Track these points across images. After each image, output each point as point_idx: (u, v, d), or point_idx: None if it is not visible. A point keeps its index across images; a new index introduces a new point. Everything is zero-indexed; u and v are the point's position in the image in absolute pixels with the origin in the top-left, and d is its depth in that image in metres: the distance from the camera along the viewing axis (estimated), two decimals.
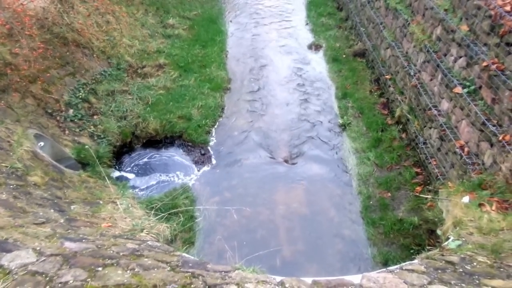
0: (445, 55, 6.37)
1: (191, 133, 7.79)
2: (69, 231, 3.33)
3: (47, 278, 2.25)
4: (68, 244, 2.73)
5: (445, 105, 6.21)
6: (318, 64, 10.66)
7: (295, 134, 8.12)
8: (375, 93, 8.95)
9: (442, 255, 3.22)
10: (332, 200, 6.62)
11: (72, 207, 4.35)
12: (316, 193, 6.78)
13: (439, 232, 4.20)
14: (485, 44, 5.30)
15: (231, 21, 13.02)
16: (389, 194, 6.45)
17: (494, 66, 4.91)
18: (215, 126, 8.31)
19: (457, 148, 5.58)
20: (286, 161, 7.45)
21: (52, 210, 3.91)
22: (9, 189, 3.90)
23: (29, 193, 4.10)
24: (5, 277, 2.19)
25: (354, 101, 8.81)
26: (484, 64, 5.11)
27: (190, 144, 7.74)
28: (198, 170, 7.22)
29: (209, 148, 7.75)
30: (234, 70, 10.33)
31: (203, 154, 7.54)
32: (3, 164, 4.34)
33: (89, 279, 2.28)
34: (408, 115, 7.36)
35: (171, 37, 10.99)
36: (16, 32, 6.49)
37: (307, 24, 12.84)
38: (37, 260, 2.39)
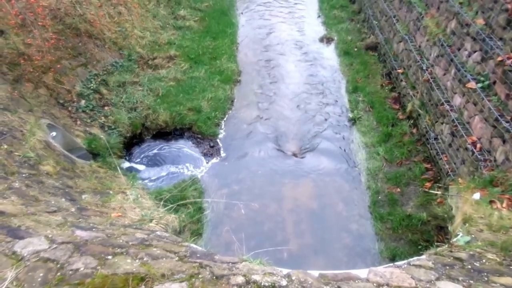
0: (459, 49, 6.25)
1: (201, 126, 7.82)
2: (80, 220, 3.38)
3: (58, 265, 2.30)
4: (79, 233, 2.78)
5: (457, 100, 6.11)
6: (329, 57, 10.58)
7: (305, 128, 8.11)
8: (387, 87, 8.87)
9: (451, 251, 3.19)
10: (341, 195, 6.62)
11: (83, 196, 4.42)
12: (324, 187, 6.78)
13: (450, 228, 4.16)
14: (500, 39, 5.18)
15: (242, 13, 12.95)
16: (398, 190, 6.42)
17: (509, 61, 4.80)
18: (225, 119, 8.33)
19: (469, 144, 5.50)
20: (295, 155, 7.46)
21: (63, 199, 3.97)
22: (22, 178, 3.97)
23: (41, 182, 4.17)
24: (17, 263, 2.24)
25: (365, 95, 8.75)
26: (499, 59, 5.00)
27: (199, 136, 7.78)
28: (207, 162, 7.26)
29: (218, 140, 7.78)
30: (244, 62, 10.31)
31: (212, 147, 7.57)
32: (16, 153, 4.42)
33: (99, 267, 2.32)
34: (420, 110, 7.28)
35: (182, 28, 10.99)
36: (29, 23, 6.55)
37: (319, 16, 12.71)
38: (49, 248, 2.44)
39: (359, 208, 6.36)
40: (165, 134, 7.85)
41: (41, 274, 2.21)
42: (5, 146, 4.40)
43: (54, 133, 5.80)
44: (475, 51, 5.74)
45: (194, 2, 12.46)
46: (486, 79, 5.37)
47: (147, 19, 10.35)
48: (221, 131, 8.02)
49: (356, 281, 2.48)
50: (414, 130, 7.42)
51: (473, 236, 3.49)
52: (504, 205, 3.95)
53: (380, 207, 6.23)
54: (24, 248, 2.39)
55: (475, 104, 5.54)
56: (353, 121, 8.16)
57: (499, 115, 4.90)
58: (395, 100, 8.43)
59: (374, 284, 2.45)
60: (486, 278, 2.66)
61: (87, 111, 7.13)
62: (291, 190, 6.70)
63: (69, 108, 6.91)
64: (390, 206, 6.19)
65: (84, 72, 7.68)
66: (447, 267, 2.81)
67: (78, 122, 6.84)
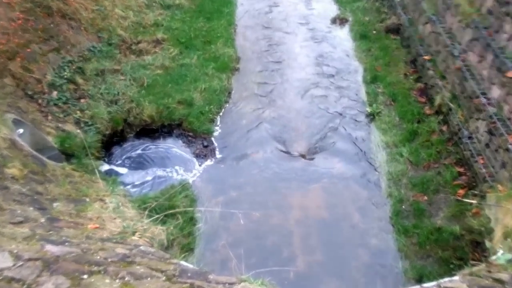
0: (497, 32, 6.22)
1: (193, 121, 7.82)
2: (51, 232, 3.38)
3: (25, 286, 2.28)
4: (49, 248, 2.76)
5: (496, 92, 6.08)
6: (343, 41, 10.56)
7: (314, 124, 8.09)
8: (411, 77, 8.84)
9: (489, 271, 3.17)
10: (357, 203, 6.61)
11: (54, 204, 4.41)
12: (338, 195, 6.77)
13: (488, 244, 4.14)
14: None
15: None
16: (426, 198, 6.41)
17: None
18: (221, 114, 8.32)
19: (510, 144, 5.47)
20: (303, 156, 7.45)
21: (31, 208, 3.96)
22: None
23: (5, 187, 4.16)
24: None
25: (386, 86, 8.72)
26: None
27: (191, 134, 7.77)
28: (200, 165, 7.26)
29: (213, 139, 7.78)
30: (244, 47, 10.30)
31: (206, 146, 7.57)
32: None
33: None
34: (451, 104, 7.26)
35: (171, 7, 10.95)
36: None
37: None
38: (13, 265, 2.42)
39: (379, 219, 6.33)
40: (151, 131, 7.84)
41: None
42: None
43: (21, 130, 5.78)
44: None
45: None
46: None
47: None
48: (217, 128, 8.01)
49: None
50: (444, 128, 7.40)
51: None
52: None
53: (404, 219, 6.20)
54: None
55: None
56: (372, 116, 8.14)
57: None
58: (421, 92, 8.40)
59: None
60: None
61: (60, 104, 7.10)
62: (298, 197, 6.70)
63: (39, 101, 6.87)
64: (416, 217, 6.17)
65: (57, 59, 7.66)
66: None
67: (50, 117, 6.81)
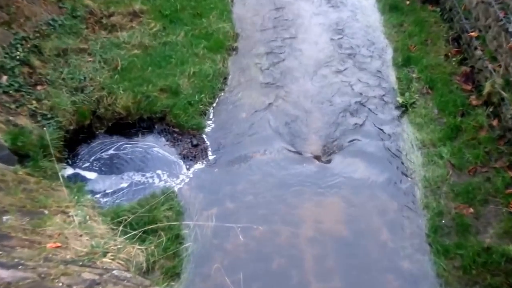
0: None
1: (179, 114, 7.82)
2: (0, 253, 3.36)
3: None
4: None
5: None
6: (368, 14, 10.60)
7: (332, 118, 8.10)
8: (454, 59, 8.83)
9: None
10: (385, 217, 6.61)
11: (4, 218, 4.39)
12: (361, 206, 6.77)
13: None
14: None
15: None
16: (471, 210, 6.39)
17: None
18: (214, 104, 8.33)
19: None
20: (317, 158, 7.46)
21: None
22: None
23: None
24: None
25: (421, 70, 8.71)
26: None
27: (176, 130, 7.78)
28: (188, 169, 7.27)
29: (204, 136, 7.78)
30: (243, 20, 10.32)
31: (196, 145, 7.57)
32: None
33: None
34: (503, 93, 7.23)
35: None
36: None
37: None
38: None
39: (413, 237, 6.33)
40: (126, 126, 7.85)
41: None
42: None
43: None
44: None
45: None
46: None
47: None
48: (209, 122, 8.02)
49: None
50: (495, 122, 7.38)
51: None
52: None
53: (444, 236, 6.20)
54: None
55: None
56: (404, 108, 8.16)
57: None
58: (467, 77, 8.39)
59: None
60: None
61: (11, 92, 7.09)
62: (311, 209, 6.70)
63: None
64: (459, 234, 6.16)
65: (7, 35, 7.63)
66: None
67: None
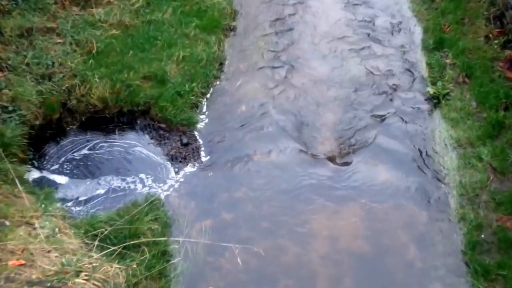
0: None
1: (166, 107, 7.86)
2: None
3: None
4: None
5: None
6: None
7: (349, 112, 8.16)
8: (495, 41, 8.87)
9: None
10: (413, 231, 6.62)
11: None
12: (384, 217, 6.78)
13: None
14: None
15: None
16: None
17: None
18: (208, 95, 8.42)
19: None
20: (331, 159, 7.49)
21: None
22: None
23: None
24: None
25: (457, 55, 8.73)
26: None
27: (163, 125, 7.84)
28: (177, 172, 7.32)
29: (196, 133, 7.85)
30: None
31: (186, 144, 7.62)
32: None
33: None
34: None
35: None
36: None
37: None
38: None
39: (446, 254, 6.34)
40: (103, 121, 7.91)
41: None
42: None
43: None
44: None
45: None
46: None
47: None
48: (202, 117, 8.09)
49: None
50: None
51: None
52: None
53: (484, 254, 6.21)
54: None
55: None
56: (436, 100, 8.21)
57: None
58: (511, 63, 8.48)
59: None
60: None
61: None
62: (325, 222, 6.72)
63: None
64: (502, 251, 6.18)
65: None
66: None
67: None
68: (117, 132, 7.91)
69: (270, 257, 6.25)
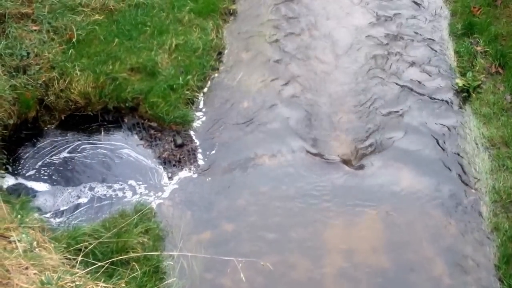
0: None
1: (156, 103, 7.72)
2: None
3: None
4: None
5: None
6: None
7: (365, 108, 8.04)
8: None
9: None
10: (440, 243, 6.47)
11: None
12: (407, 228, 6.64)
13: None
14: None
15: None
16: None
17: None
18: (205, 89, 8.30)
19: None
20: (346, 162, 7.34)
21: None
22: None
23: None
24: None
25: (489, 42, 8.62)
26: None
27: (154, 124, 7.72)
28: (171, 178, 7.18)
29: (192, 133, 7.72)
30: None
31: (181, 146, 7.49)
32: None
33: None
34: None
35: None
36: None
37: None
38: None
39: (477, 269, 6.19)
40: (85, 119, 7.79)
41: None
42: None
43: None
44: None
45: None
46: None
47: None
48: (198, 114, 7.97)
49: None
50: None
51: None
52: None
53: None
54: None
55: None
56: (465, 93, 8.07)
57: None
58: None
59: None
60: None
61: None
62: (339, 232, 6.58)
63: None
64: None
65: None
66: None
67: None
68: (101, 132, 7.78)
69: (278, 273, 6.12)
